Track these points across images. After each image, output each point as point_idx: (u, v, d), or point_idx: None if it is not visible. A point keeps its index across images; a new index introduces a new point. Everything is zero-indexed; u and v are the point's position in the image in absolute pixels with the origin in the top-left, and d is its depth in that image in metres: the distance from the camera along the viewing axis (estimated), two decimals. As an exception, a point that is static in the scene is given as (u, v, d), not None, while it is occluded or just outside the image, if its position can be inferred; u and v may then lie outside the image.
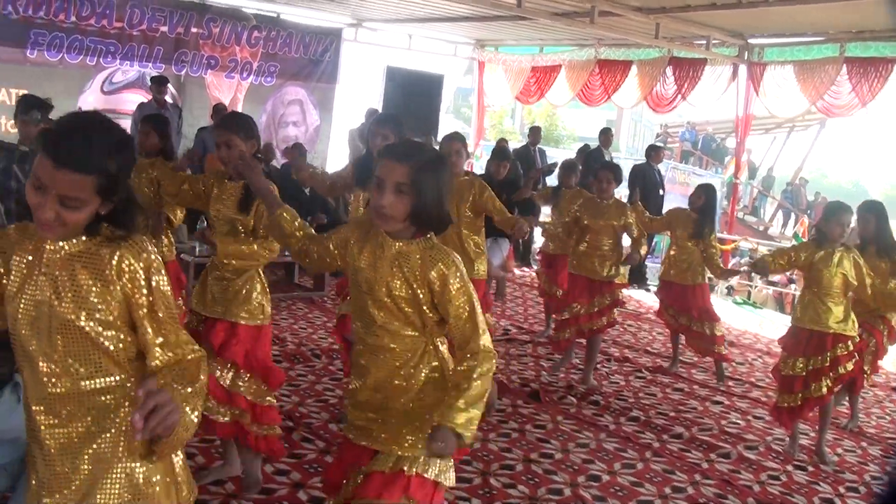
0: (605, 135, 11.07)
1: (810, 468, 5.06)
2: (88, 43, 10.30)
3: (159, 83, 9.56)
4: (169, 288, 2.02)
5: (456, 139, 5.10)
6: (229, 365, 3.61)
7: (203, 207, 3.81)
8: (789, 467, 5.04)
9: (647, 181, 10.40)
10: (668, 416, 5.75)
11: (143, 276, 1.95)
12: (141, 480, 1.99)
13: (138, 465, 1.99)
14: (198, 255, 7.25)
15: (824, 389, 4.94)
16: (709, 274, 6.90)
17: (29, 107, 5.05)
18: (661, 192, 10.76)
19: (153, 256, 1.98)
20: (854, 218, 5.14)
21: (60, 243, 1.93)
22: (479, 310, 2.47)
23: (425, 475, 2.50)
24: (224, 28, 11.40)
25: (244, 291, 3.60)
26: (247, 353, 3.62)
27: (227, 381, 3.61)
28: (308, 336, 6.82)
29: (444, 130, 12.96)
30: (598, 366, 6.69)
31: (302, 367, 5.93)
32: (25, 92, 9.73)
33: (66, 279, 1.92)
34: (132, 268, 1.94)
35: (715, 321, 6.70)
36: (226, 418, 3.62)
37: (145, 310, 1.96)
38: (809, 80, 10.31)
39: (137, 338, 1.99)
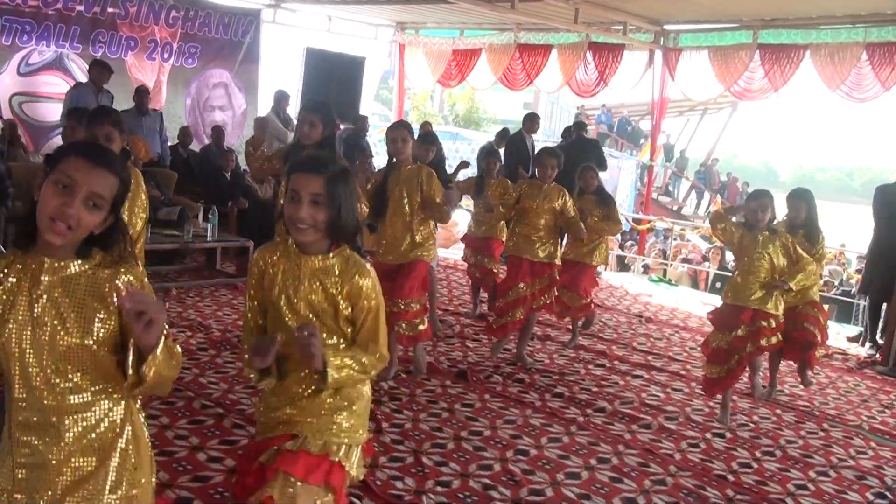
0: (531, 120, 10.67)
1: (728, 435, 5.31)
2: (3, 22, 9.86)
3: (104, 68, 9.10)
4: None
5: (402, 127, 5.42)
6: None
7: None
8: (708, 435, 5.27)
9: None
10: (590, 392, 5.92)
11: None
12: None
13: None
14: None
15: (743, 354, 5.30)
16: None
17: None
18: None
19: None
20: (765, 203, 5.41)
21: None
22: (382, 320, 2.56)
23: (345, 465, 2.57)
24: (141, 7, 11.09)
25: None
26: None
27: None
28: (233, 322, 6.77)
29: (365, 113, 12.94)
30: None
31: (228, 353, 5.90)
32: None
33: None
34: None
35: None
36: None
37: None
38: (724, 66, 10.67)
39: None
